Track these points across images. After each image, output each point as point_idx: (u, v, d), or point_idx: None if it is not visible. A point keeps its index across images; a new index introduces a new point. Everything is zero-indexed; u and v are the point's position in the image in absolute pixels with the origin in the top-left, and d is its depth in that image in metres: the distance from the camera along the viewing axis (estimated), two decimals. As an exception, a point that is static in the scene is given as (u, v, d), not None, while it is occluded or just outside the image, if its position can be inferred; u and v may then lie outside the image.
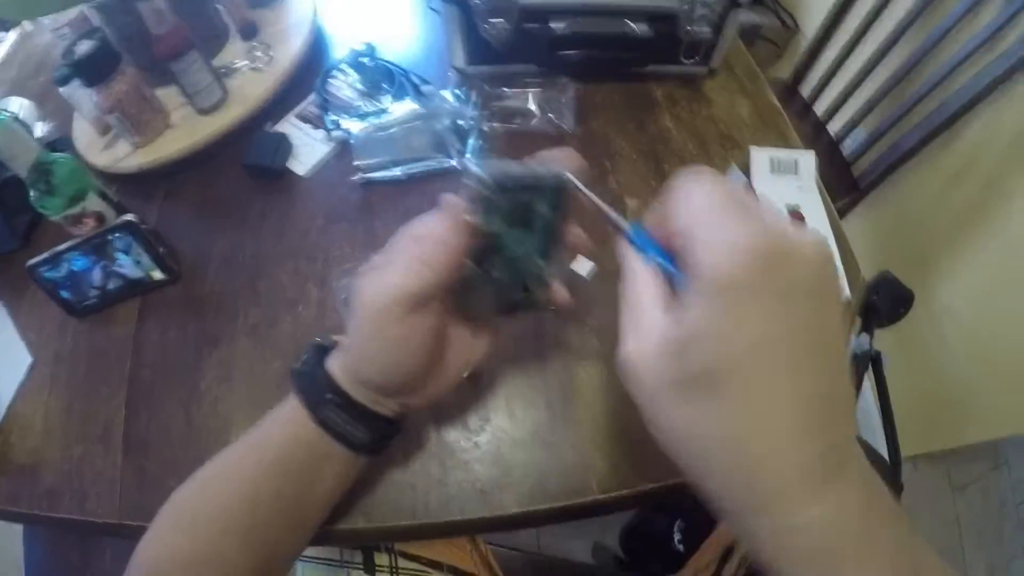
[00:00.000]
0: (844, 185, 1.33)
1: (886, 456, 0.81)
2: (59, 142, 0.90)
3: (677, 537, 0.92)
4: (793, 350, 0.28)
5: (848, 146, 1.36)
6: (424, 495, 0.57)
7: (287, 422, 0.47)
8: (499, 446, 0.58)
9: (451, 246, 0.40)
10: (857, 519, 0.28)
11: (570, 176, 0.40)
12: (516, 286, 0.44)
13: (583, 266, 0.67)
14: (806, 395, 0.28)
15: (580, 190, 0.40)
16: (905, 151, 1.18)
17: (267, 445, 0.48)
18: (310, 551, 0.71)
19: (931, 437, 1.52)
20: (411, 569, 0.70)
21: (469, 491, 0.56)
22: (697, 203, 0.30)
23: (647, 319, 0.32)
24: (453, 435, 0.59)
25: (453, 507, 0.56)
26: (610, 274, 0.66)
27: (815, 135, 1.41)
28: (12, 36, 1.23)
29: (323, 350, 0.48)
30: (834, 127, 1.39)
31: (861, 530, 0.28)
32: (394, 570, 0.69)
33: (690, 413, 0.29)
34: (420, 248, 0.40)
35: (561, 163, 0.41)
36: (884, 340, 0.82)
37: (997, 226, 1.20)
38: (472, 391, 0.61)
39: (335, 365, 0.46)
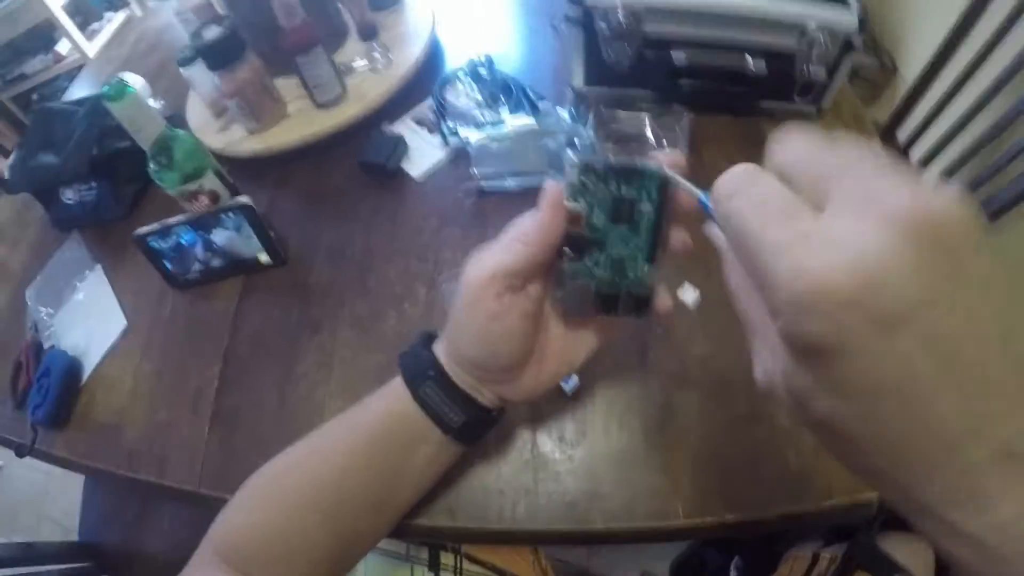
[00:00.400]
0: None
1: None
2: (172, 119, 0.93)
3: (733, 575, 0.91)
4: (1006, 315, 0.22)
5: (942, 195, 1.33)
6: (512, 502, 0.58)
7: (386, 396, 0.49)
8: (592, 461, 0.59)
9: (547, 225, 0.40)
10: None
11: (671, 173, 0.38)
12: (618, 285, 0.43)
13: (688, 294, 0.67)
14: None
15: (682, 185, 0.37)
16: (1001, 205, 1.15)
17: (363, 417, 0.49)
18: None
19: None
20: (475, 572, 0.71)
21: (558, 503, 0.57)
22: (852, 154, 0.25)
23: (820, 230, 0.22)
24: (549, 446, 0.60)
25: (540, 517, 0.57)
26: (714, 303, 0.67)
27: (910, 180, 1.38)
28: (120, 16, 1.28)
29: (431, 337, 0.50)
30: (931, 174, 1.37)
31: None
32: (458, 571, 0.70)
33: (902, 359, 0.21)
34: (518, 229, 0.41)
35: (663, 162, 0.39)
36: None
37: None
38: (571, 404, 0.62)
39: (439, 348, 0.48)
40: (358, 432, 0.49)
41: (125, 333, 0.76)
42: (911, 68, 1.48)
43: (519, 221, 0.41)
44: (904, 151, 1.39)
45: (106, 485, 1.18)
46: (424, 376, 0.47)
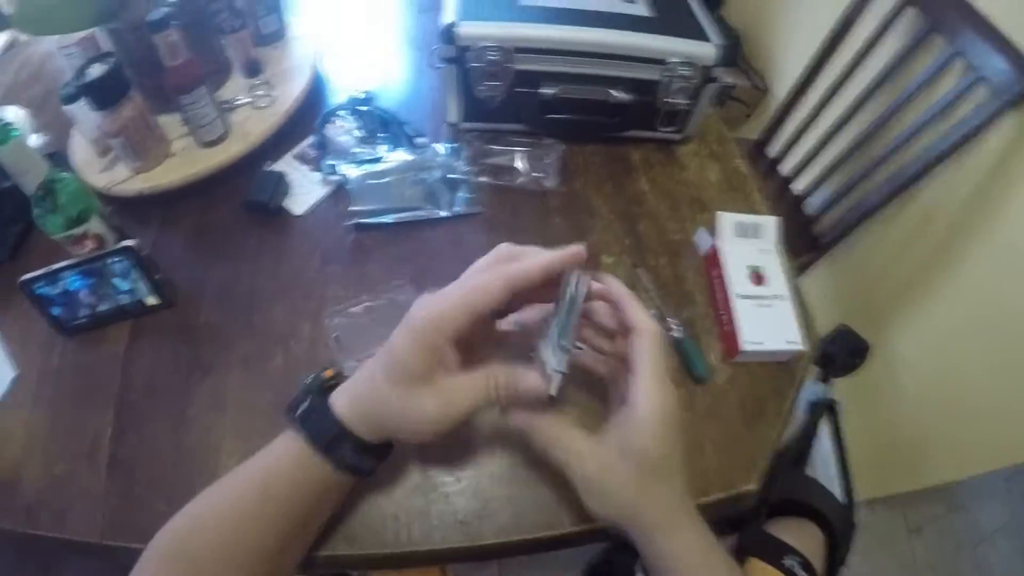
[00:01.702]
0: (805, 242, 1.40)
1: (841, 499, 0.84)
2: (54, 156, 0.89)
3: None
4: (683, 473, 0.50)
5: (811, 204, 1.43)
6: (407, 525, 0.60)
7: (296, 462, 0.49)
8: (479, 481, 0.62)
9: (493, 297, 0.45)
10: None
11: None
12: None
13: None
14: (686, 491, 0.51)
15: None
16: (865, 210, 1.25)
17: (273, 484, 0.49)
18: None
19: (887, 481, 1.58)
20: None
21: (450, 522, 0.60)
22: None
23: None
24: (436, 470, 0.63)
25: (435, 537, 0.59)
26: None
27: (780, 193, 1.48)
28: (2, 38, 1.22)
29: (320, 388, 0.51)
30: (798, 186, 1.46)
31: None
32: None
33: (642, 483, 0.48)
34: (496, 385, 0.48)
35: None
36: (841, 388, 0.88)
37: (950, 280, 1.27)
38: (456, 429, 0.65)
39: (346, 412, 0.48)
40: (270, 497, 0.49)
41: (14, 383, 0.74)
42: (782, 88, 1.59)
43: (496, 376, 0.48)
44: (774, 165, 1.47)
45: (3, 545, 1.13)
46: (338, 443, 0.48)
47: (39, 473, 0.66)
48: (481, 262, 0.49)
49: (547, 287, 0.48)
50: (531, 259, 0.47)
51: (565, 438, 0.51)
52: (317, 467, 0.49)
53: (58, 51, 0.91)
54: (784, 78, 1.69)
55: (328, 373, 0.53)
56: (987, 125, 1.05)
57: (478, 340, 0.51)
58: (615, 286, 0.51)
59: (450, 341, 0.46)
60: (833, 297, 1.61)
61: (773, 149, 1.50)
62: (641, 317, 0.49)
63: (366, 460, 0.50)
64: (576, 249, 0.48)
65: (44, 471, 0.66)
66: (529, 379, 0.48)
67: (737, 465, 0.65)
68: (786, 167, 1.47)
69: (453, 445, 0.64)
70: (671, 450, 0.49)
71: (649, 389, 0.47)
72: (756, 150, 1.54)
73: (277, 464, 0.50)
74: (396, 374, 0.46)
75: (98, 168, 0.86)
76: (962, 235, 1.23)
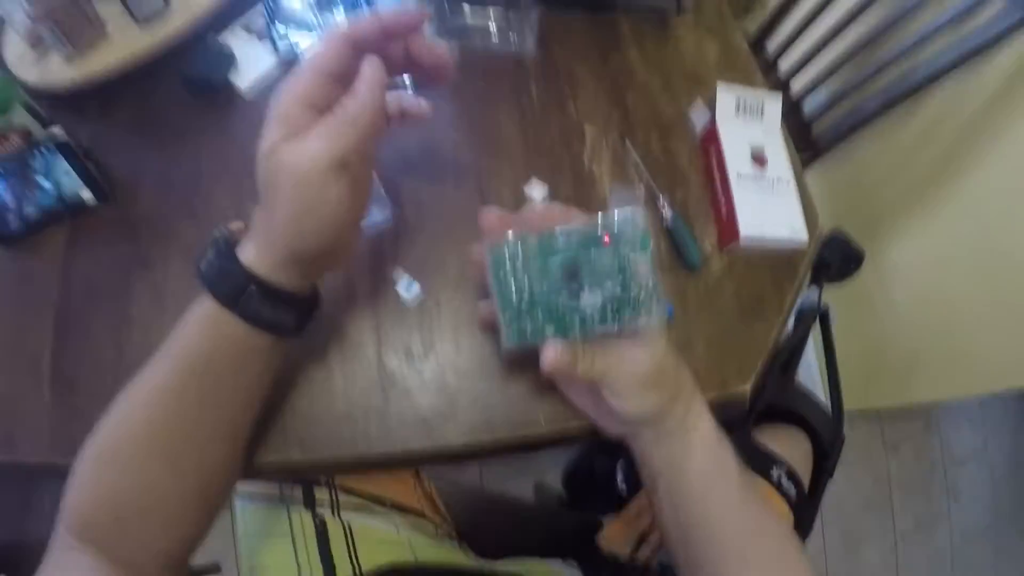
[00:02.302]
0: (802, 143, 1.34)
1: (828, 408, 0.83)
2: (-14, 55, 0.84)
3: (620, 478, 0.92)
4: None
5: (808, 105, 1.36)
6: (364, 426, 0.55)
7: (203, 323, 0.45)
8: (443, 375, 0.56)
9: (376, 107, 0.43)
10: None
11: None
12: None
13: (536, 190, 0.65)
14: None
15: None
16: (865, 116, 1.19)
17: (184, 352, 0.45)
18: (249, 488, 0.69)
19: (870, 394, 1.57)
20: (352, 504, 0.69)
21: (411, 422, 0.55)
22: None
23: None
24: (396, 362, 0.57)
25: (395, 438, 0.54)
26: (562, 199, 0.66)
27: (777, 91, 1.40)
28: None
29: (227, 244, 0.46)
30: (796, 86, 1.38)
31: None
32: (335, 505, 0.67)
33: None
34: (346, 113, 0.43)
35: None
36: (830, 295, 0.84)
37: (949, 194, 1.23)
38: (415, 317, 0.59)
39: (250, 253, 0.45)
40: (182, 369, 0.45)
41: (-53, 301, 0.68)
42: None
43: (344, 102, 0.43)
44: (772, 64, 1.39)
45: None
46: (243, 293, 0.43)
47: (-19, 395, 0.61)
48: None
49: (392, 45, 0.47)
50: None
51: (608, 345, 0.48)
52: (227, 325, 0.44)
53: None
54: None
55: (234, 225, 0.48)
56: (999, 41, 0.99)
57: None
58: (556, 211, 0.49)
59: (303, 104, 0.43)
60: (828, 202, 1.56)
61: (771, 45, 1.40)
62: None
63: (282, 313, 0.45)
64: (415, 13, 0.47)
65: (-13, 393, 0.61)
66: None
67: (730, 364, 0.60)
68: (784, 65, 1.38)
69: (412, 333, 0.58)
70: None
71: None
72: (753, 47, 1.45)
73: (187, 331, 0.46)
74: (264, 153, 0.44)
75: (31, 61, 0.79)
76: (964, 151, 1.18)
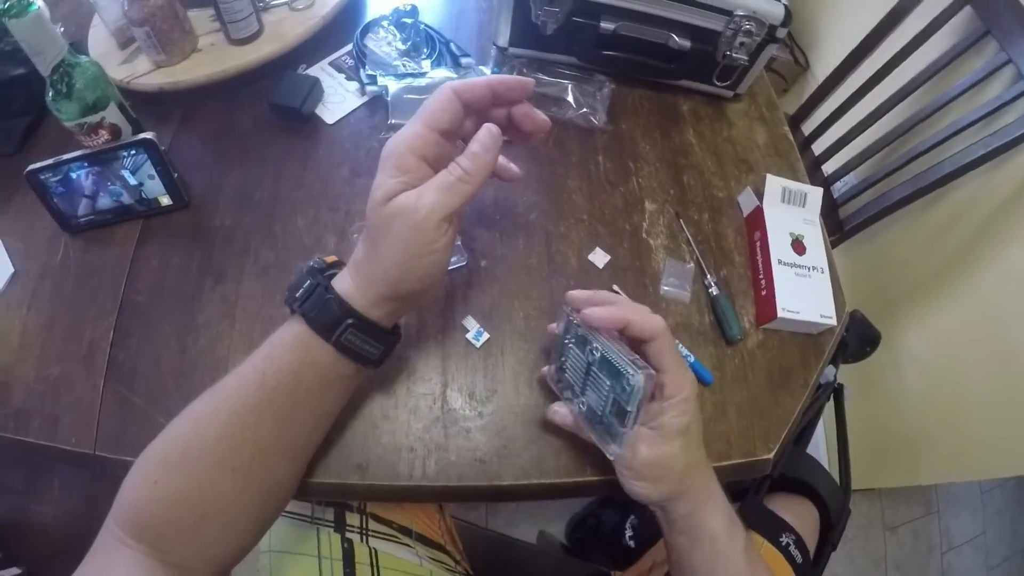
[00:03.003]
0: (830, 224, 1.37)
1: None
2: (73, 47, 0.86)
3: (628, 533, 0.95)
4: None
5: (838, 189, 1.41)
6: (424, 458, 0.57)
7: (295, 346, 0.48)
8: (502, 418, 0.60)
9: (489, 166, 0.48)
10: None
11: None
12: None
13: (599, 257, 0.69)
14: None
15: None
16: (892, 203, 1.22)
17: (271, 370, 0.47)
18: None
19: (874, 474, 1.58)
20: (381, 532, 0.70)
21: (469, 459, 0.58)
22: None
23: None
24: (459, 402, 0.60)
25: (451, 473, 0.57)
26: (622, 267, 0.70)
27: (810, 173, 1.43)
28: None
29: (322, 273, 0.49)
30: (828, 168, 1.43)
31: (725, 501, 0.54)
32: (364, 531, 0.69)
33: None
34: (461, 169, 0.46)
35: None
36: (844, 372, 0.87)
37: (967, 285, 1.26)
38: (481, 362, 0.62)
39: (348, 287, 0.48)
40: (267, 386, 0.47)
41: (12, 280, 0.69)
42: (822, 67, 1.56)
43: (462, 162, 0.46)
44: (807, 144, 1.45)
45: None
46: (340, 324, 0.46)
47: (32, 376, 0.62)
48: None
49: (496, 108, 0.52)
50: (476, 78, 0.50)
51: None
52: (318, 351, 0.47)
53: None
54: (826, 58, 1.66)
55: (330, 259, 0.52)
56: None
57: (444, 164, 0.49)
58: (613, 312, 0.51)
59: (417, 156, 0.46)
60: (849, 283, 1.55)
61: (807, 127, 1.46)
62: (649, 326, 0.50)
63: (370, 344, 0.49)
64: (525, 81, 0.52)
65: (38, 374, 0.62)
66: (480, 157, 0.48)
67: (757, 432, 0.64)
68: (818, 148, 1.44)
69: (478, 378, 0.62)
70: (700, 426, 0.53)
71: (679, 377, 0.50)
72: (790, 125, 1.50)
73: (275, 350, 0.48)
74: (376, 205, 0.46)
75: (118, 60, 0.82)
76: (987, 243, 1.21)
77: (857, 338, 0.92)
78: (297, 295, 0.48)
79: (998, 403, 1.21)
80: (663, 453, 0.51)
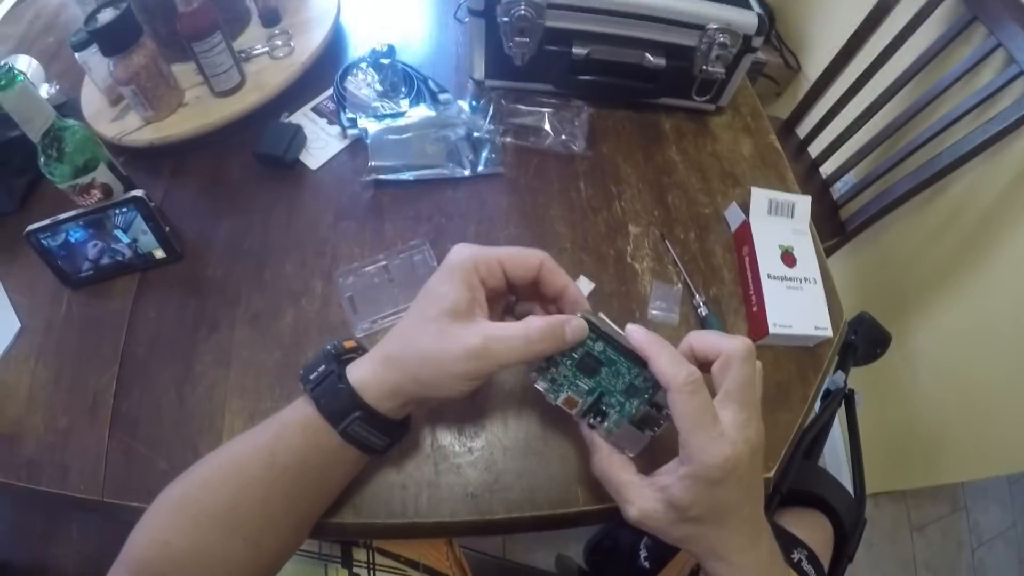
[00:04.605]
0: (832, 226, 1.37)
1: (851, 490, 0.84)
2: (66, 106, 0.89)
3: (643, 554, 0.94)
4: (748, 504, 0.47)
5: (838, 189, 1.40)
6: (415, 495, 0.58)
7: (303, 429, 0.48)
8: (492, 452, 0.60)
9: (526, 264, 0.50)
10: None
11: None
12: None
13: (584, 285, 0.69)
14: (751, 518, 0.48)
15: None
16: (893, 199, 1.22)
17: (280, 449, 0.48)
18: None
19: (896, 476, 1.56)
20: (388, 566, 0.71)
21: (460, 495, 0.58)
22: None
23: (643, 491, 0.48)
24: (448, 439, 0.61)
25: (443, 509, 0.57)
26: (607, 295, 0.69)
27: (808, 175, 1.45)
28: (17, -12, 1.20)
29: (337, 358, 0.49)
30: (827, 169, 1.42)
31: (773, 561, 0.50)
32: (372, 566, 0.70)
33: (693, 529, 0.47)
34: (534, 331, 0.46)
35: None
36: (857, 376, 0.85)
37: (975, 277, 1.25)
38: (468, 398, 0.62)
39: (365, 376, 0.47)
40: (276, 465, 0.47)
41: (19, 335, 0.72)
42: (814, 68, 1.55)
43: (529, 333, 0.46)
44: (803, 146, 1.44)
45: (7, 500, 1.13)
46: (349, 415, 0.47)
47: (41, 428, 0.65)
48: None
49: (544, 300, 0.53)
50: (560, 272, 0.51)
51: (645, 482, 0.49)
52: (325, 437, 0.47)
53: (71, -3, 0.89)
54: (817, 58, 1.64)
55: (348, 344, 0.52)
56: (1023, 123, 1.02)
57: (493, 312, 0.50)
58: (643, 339, 0.48)
59: (483, 286, 0.48)
60: (855, 284, 1.58)
61: (803, 130, 1.46)
62: (671, 372, 0.45)
63: (376, 436, 0.49)
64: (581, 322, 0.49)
65: (46, 426, 0.65)
66: (574, 331, 0.47)
67: None
68: (815, 149, 1.43)
69: (466, 414, 0.62)
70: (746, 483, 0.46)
71: (708, 441, 0.44)
72: (785, 129, 1.50)
73: (285, 431, 0.49)
74: (437, 311, 0.46)
75: (109, 118, 0.84)
76: (992, 232, 1.20)
77: (866, 340, 0.91)
78: (311, 377, 0.48)
79: (1015, 394, 1.19)
80: (699, 503, 0.45)
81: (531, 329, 0.46)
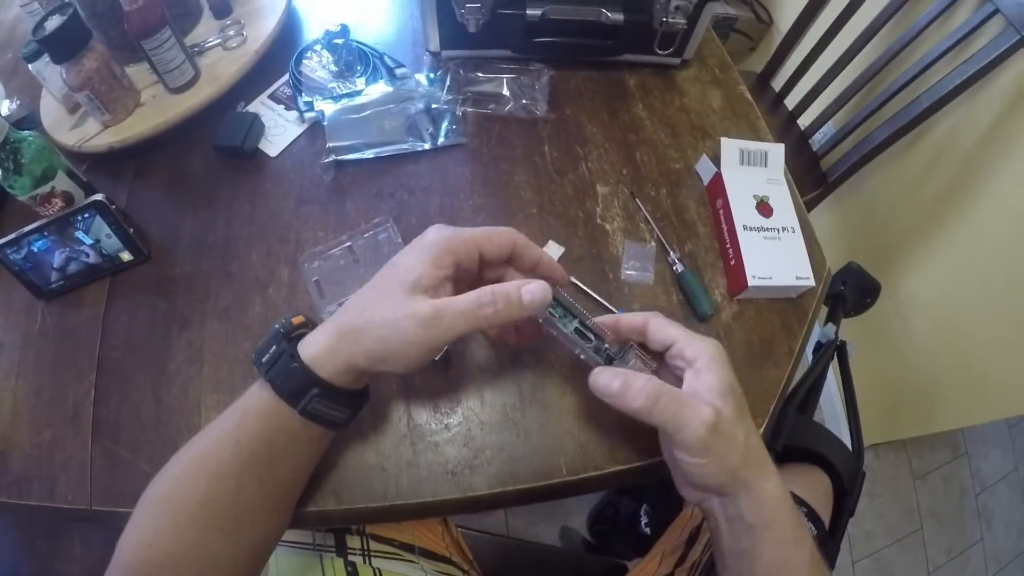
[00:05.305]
0: (813, 178, 1.35)
1: (849, 444, 0.82)
2: (27, 120, 0.88)
3: (644, 520, 0.94)
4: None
5: (818, 140, 1.38)
6: (395, 477, 0.57)
7: (264, 413, 0.47)
8: (469, 428, 0.59)
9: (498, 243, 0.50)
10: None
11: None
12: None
13: (553, 250, 0.68)
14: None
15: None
16: (873, 147, 1.20)
17: (244, 437, 0.47)
18: (283, 535, 0.71)
19: (895, 426, 1.56)
20: (383, 552, 0.70)
21: (440, 473, 0.57)
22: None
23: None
24: (424, 417, 0.59)
25: (424, 489, 0.57)
26: (576, 259, 0.68)
27: (786, 128, 1.42)
28: (-28, 9, 1.19)
29: (287, 337, 0.48)
30: (804, 121, 1.41)
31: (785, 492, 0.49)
32: (366, 553, 0.69)
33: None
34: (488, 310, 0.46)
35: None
36: (849, 328, 0.84)
37: (962, 220, 1.23)
38: (442, 373, 0.62)
39: (317, 352, 0.47)
40: (242, 452, 0.47)
41: (-1, 353, 0.71)
42: (786, 20, 1.53)
43: (498, 310, 0.46)
44: (779, 100, 1.42)
45: (5, 518, 1.13)
46: (306, 393, 0.46)
47: (27, 443, 0.64)
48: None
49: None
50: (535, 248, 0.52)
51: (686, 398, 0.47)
52: (286, 419, 0.47)
53: (22, 10, 0.88)
54: (788, 10, 1.62)
55: (296, 320, 0.51)
56: (1002, 60, 1.01)
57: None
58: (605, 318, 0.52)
59: (454, 266, 0.48)
60: (841, 235, 1.57)
61: (778, 83, 1.43)
62: (637, 317, 0.51)
63: (336, 410, 0.48)
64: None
65: (31, 440, 0.64)
66: (531, 293, 0.47)
67: None
68: (791, 102, 1.41)
69: (440, 389, 0.61)
70: (742, 395, 0.49)
71: (695, 341, 0.49)
72: (760, 83, 1.47)
73: (247, 418, 0.48)
74: (398, 283, 0.46)
75: (68, 126, 0.83)
76: (974, 173, 1.19)
77: (856, 290, 0.90)
78: (264, 360, 0.48)
79: (1011, 337, 1.18)
80: (727, 418, 0.45)
81: (483, 294, 0.46)
